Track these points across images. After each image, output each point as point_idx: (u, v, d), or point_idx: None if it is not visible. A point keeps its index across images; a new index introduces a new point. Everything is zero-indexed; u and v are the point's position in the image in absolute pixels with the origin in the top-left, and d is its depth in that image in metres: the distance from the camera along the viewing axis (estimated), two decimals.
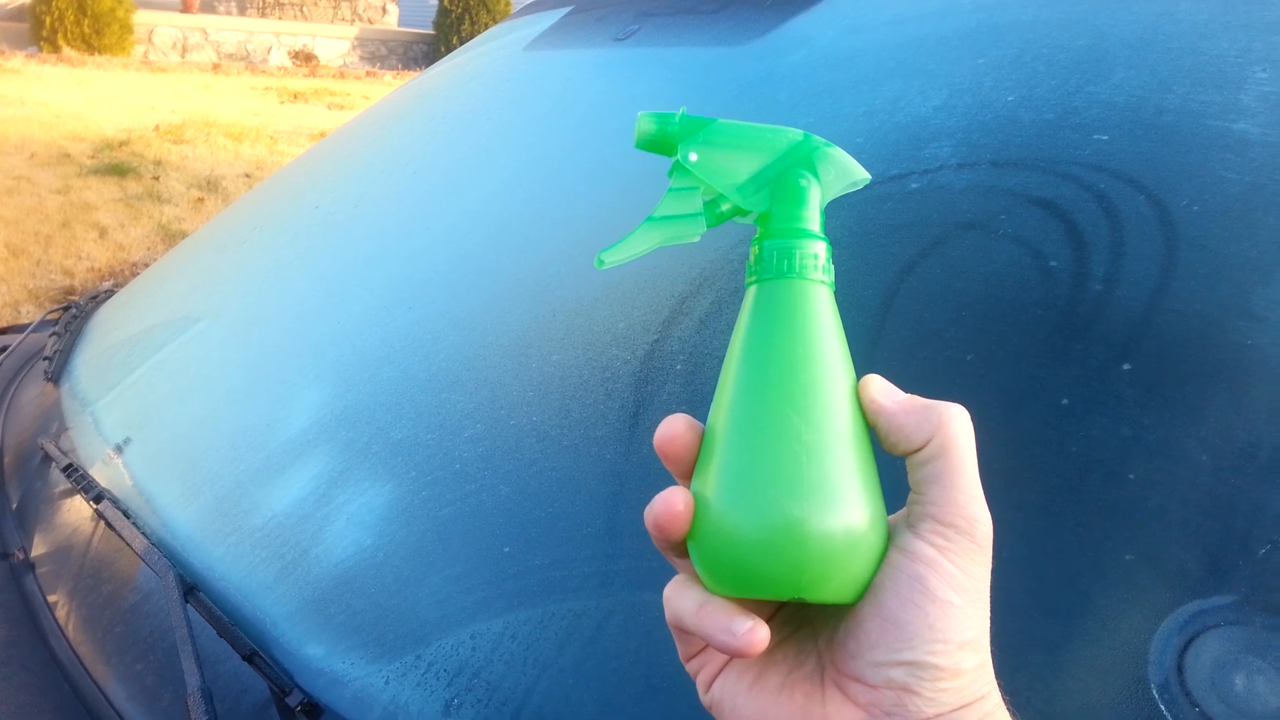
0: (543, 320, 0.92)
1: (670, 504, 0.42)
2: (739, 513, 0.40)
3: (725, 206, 0.46)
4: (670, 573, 0.46)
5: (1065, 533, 0.60)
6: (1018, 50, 0.91)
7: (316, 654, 0.75)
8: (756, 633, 0.40)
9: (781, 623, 0.45)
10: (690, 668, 0.46)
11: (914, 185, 0.82)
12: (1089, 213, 0.73)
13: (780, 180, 0.45)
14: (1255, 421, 0.61)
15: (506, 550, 0.75)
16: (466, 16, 14.83)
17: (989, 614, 0.41)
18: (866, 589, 0.41)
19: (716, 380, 0.43)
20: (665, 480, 0.75)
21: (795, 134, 0.46)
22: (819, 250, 0.44)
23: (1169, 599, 0.57)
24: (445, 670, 0.69)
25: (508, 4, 14.96)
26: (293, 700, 0.71)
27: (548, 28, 1.57)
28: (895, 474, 0.44)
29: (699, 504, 0.42)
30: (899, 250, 0.78)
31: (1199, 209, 0.71)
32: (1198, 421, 0.62)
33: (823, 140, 0.46)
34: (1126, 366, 0.65)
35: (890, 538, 0.42)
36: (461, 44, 1.95)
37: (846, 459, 0.41)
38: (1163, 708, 0.53)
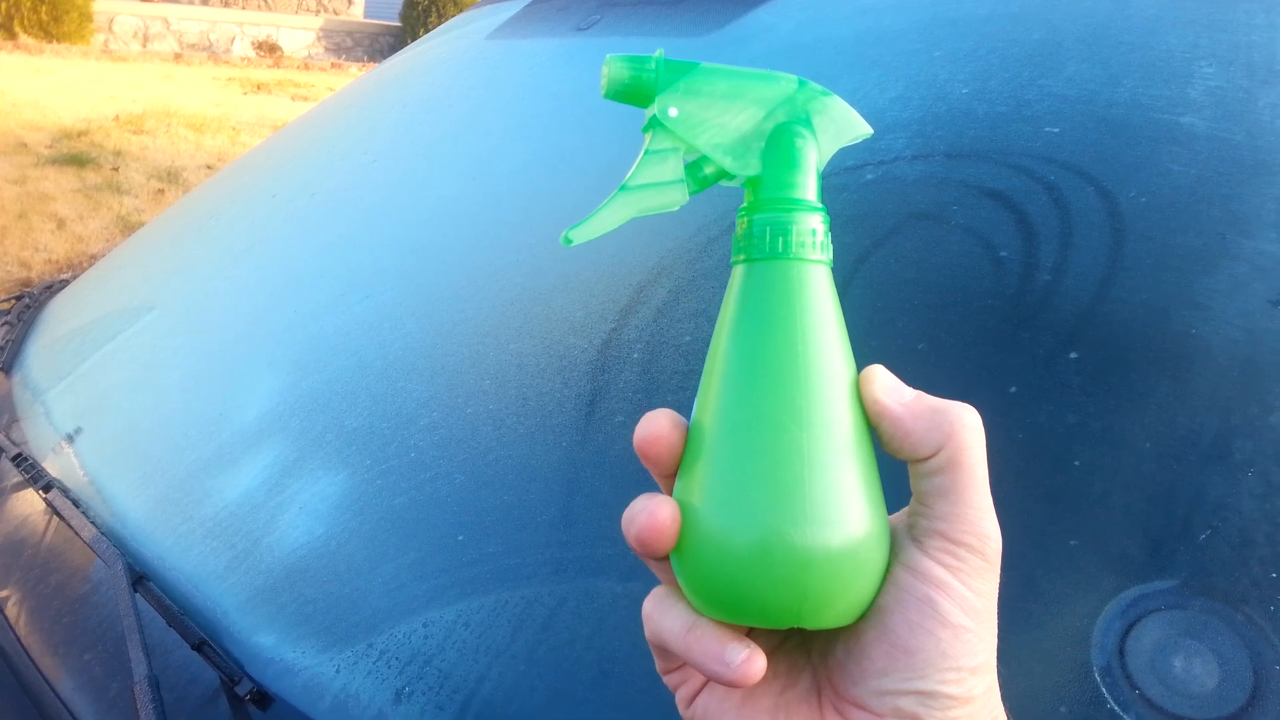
0: (500, 309, 0.92)
1: (656, 517, 0.37)
2: (733, 533, 0.36)
3: (709, 169, 0.41)
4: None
5: (1011, 518, 0.60)
6: (972, 44, 0.92)
7: (267, 643, 0.75)
8: (753, 663, 0.36)
9: (769, 633, 0.41)
10: (669, 681, 0.42)
11: (869, 176, 0.82)
12: (1039, 204, 0.74)
13: (773, 139, 0.40)
14: (1198, 409, 0.62)
15: (460, 538, 0.74)
16: (433, 8, 14.74)
17: (996, 632, 0.38)
18: (868, 608, 0.37)
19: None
20: (621, 471, 0.75)
21: (789, 81, 0.40)
22: (816, 224, 0.39)
23: (1112, 584, 0.57)
24: (397, 659, 0.69)
25: None
26: (242, 689, 0.71)
27: (510, 17, 1.56)
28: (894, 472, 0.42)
29: (686, 516, 0.37)
30: (853, 240, 0.78)
31: (1146, 201, 0.72)
32: (1142, 409, 0.63)
33: (820, 88, 0.41)
34: (1073, 355, 0.66)
35: (892, 550, 0.38)
36: None
37: (849, 469, 0.37)
38: (1104, 691, 0.54)
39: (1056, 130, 0.79)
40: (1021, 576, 0.59)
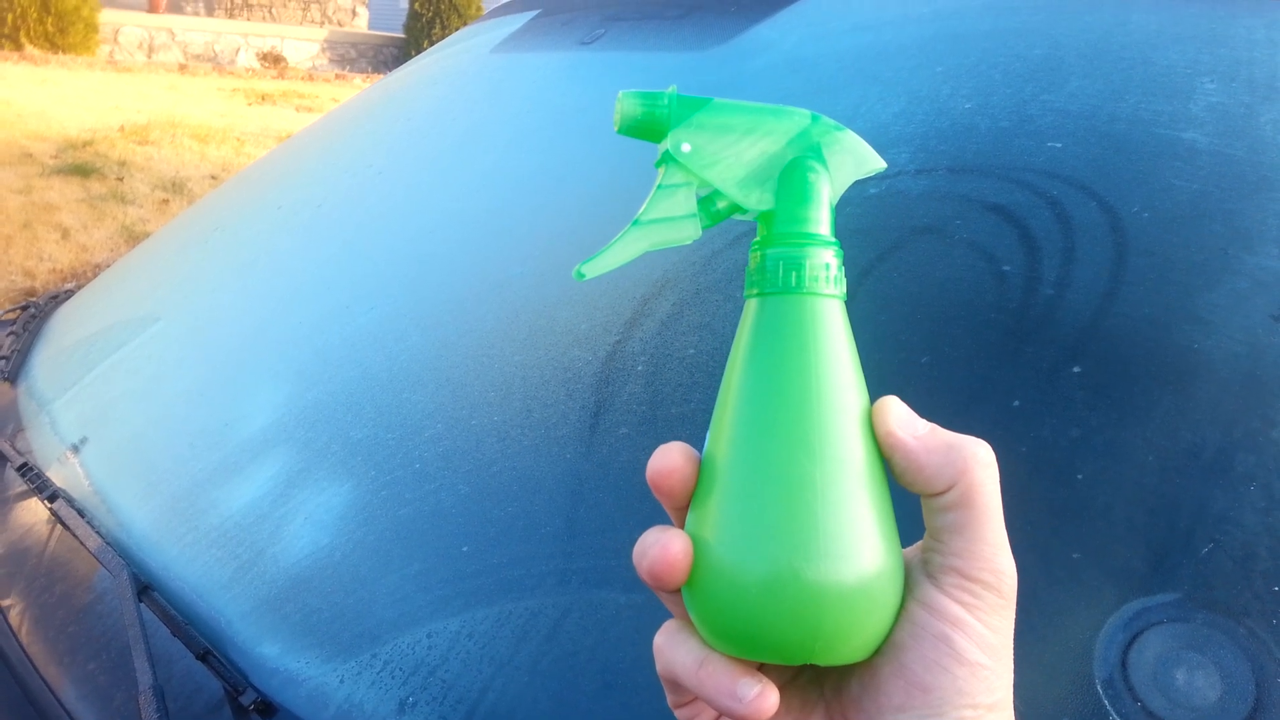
0: (505, 321, 0.93)
1: (668, 550, 0.37)
2: (745, 568, 0.36)
3: (722, 204, 0.41)
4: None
5: (1014, 531, 0.61)
6: (975, 59, 0.92)
7: (271, 653, 0.75)
8: (766, 698, 0.36)
9: (780, 666, 0.41)
10: (680, 715, 0.42)
11: (872, 190, 0.83)
12: (1042, 218, 0.74)
13: (786, 174, 0.40)
14: (1200, 423, 0.62)
15: (465, 549, 0.75)
16: (437, 20, 14.79)
17: (1012, 667, 0.38)
18: (882, 644, 0.38)
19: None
20: (625, 483, 0.75)
21: (803, 116, 0.41)
22: (829, 259, 0.39)
23: (1114, 596, 0.58)
24: (401, 669, 0.69)
25: (479, 8, 14.94)
26: (246, 699, 0.71)
27: (514, 31, 1.57)
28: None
29: (698, 551, 0.37)
30: (857, 254, 0.79)
31: (1149, 215, 0.72)
32: (1144, 423, 0.63)
33: (834, 123, 0.41)
34: (1076, 369, 0.66)
35: (906, 585, 0.38)
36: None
37: (862, 505, 0.37)
38: (1106, 703, 0.54)
39: (1059, 145, 0.79)
40: (1024, 589, 0.59)
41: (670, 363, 0.79)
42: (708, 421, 0.41)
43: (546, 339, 0.88)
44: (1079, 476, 0.62)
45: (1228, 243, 0.70)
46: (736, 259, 0.84)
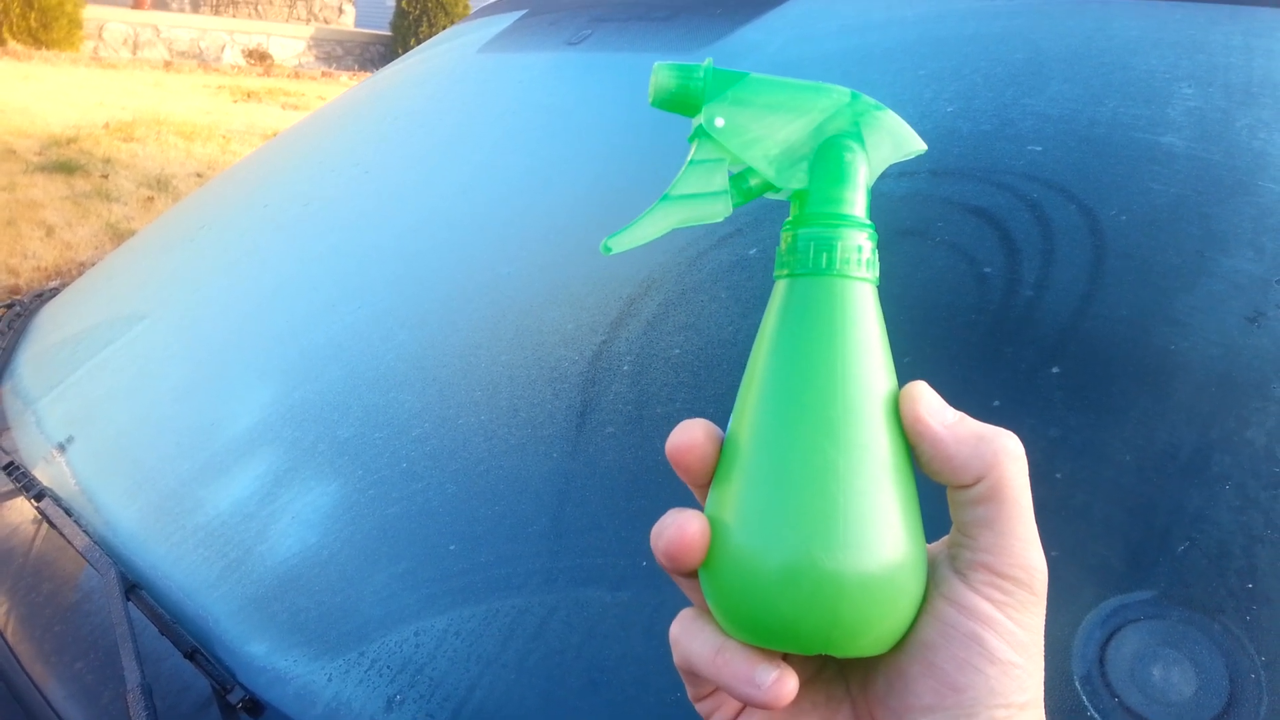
0: (491, 320, 0.93)
1: (685, 531, 0.36)
2: (763, 553, 0.35)
3: (754, 181, 0.40)
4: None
5: None
6: (957, 63, 0.93)
7: (259, 651, 0.75)
8: (784, 684, 0.35)
9: (804, 661, 0.40)
10: (701, 709, 0.41)
11: None
12: (1022, 221, 0.75)
13: (821, 152, 0.39)
14: (1176, 423, 0.63)
15: (452, 548, 0.75)
16: (424, 18, 14.75)
17: (1043, 664, 0.37)
18: (903, 638, 0.37)
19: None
20: (611, 482, 0.76)
21: (842, 94, 0.39)
22: (863, 241, 0.38)
23: (1092, 594, 0.59)
24: (388, 667, 0.70)
25: (465, 6, 14.91)
26: (234, 697, 0.71)
27: (501, 30, 1.58)
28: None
29: (717, 533, 0.37)
30: None
31: (1127, 218, 0.73)
32: (1122, 423, 0.64)
33: (873, 102, 0.39)
34: (1055, 369, 0.67)
35: (931, 579, 0.37)
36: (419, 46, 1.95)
37: (886, 494, 0.36)
38: (1085, 699, 0.55)
39: (1039, 148, 0.80)
40: None
41: (656, 363, 0.80)
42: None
43: (533, 339, 0.88)
44: (1057, 475, 0.63)
45: (1204, 245, 0.71)
46: (722, 259, 0.85)
